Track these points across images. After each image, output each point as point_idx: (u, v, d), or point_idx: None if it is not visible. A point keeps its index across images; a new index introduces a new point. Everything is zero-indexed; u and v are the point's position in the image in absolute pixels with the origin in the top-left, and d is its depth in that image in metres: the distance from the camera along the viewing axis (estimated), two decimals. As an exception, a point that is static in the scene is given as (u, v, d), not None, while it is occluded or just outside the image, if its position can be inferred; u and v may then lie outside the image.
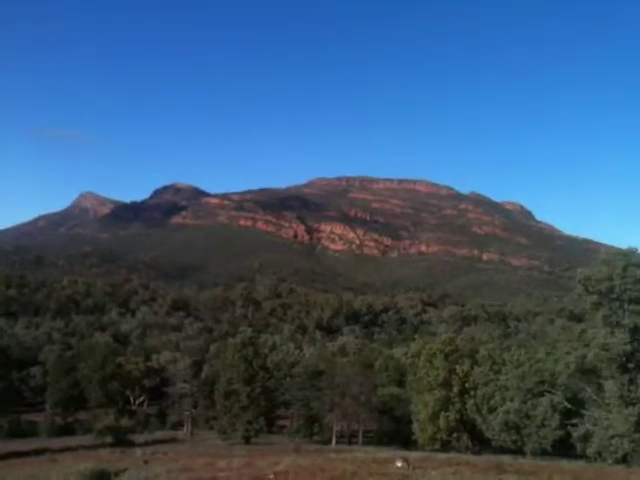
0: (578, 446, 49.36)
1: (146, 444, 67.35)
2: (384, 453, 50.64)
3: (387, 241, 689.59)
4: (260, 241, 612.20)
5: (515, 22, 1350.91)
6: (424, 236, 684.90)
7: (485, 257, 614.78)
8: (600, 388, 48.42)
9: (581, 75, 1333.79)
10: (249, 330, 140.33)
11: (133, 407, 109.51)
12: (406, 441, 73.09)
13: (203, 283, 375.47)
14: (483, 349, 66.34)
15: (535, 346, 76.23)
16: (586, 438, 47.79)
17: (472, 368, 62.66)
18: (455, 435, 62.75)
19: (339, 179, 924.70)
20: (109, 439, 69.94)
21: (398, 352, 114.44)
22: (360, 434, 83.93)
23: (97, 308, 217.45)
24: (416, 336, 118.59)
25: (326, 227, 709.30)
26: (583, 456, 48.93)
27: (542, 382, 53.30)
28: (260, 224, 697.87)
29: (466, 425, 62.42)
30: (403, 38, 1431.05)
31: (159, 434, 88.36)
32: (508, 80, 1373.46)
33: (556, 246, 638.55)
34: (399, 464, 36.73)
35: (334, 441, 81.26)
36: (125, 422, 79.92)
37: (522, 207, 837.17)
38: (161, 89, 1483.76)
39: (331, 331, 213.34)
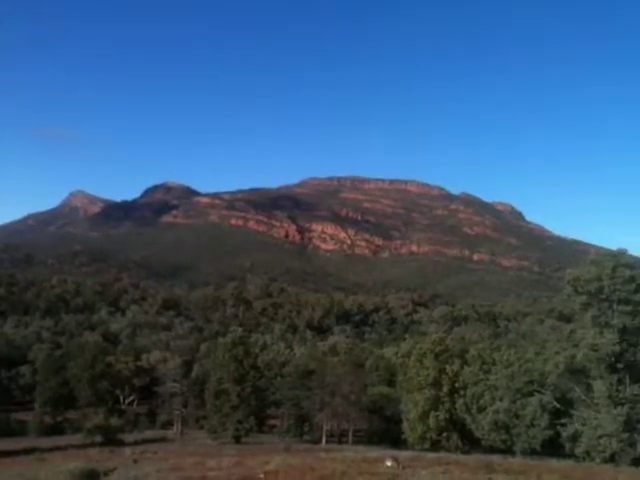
0: (567, 446, 49.61)
1: (136, 443, 67.18)
2: (374, 452, 50.72)
3: (378, 241, 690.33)
4: (251, 241, 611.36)
5: (513, 22, 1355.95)
6: (415, 236, 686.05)
7: (476, 257, 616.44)
8: (589, 388, 48.70)
9: (571, 76, 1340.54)
10: (240, 329, 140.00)
11: (123, 406, 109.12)
12: (396, 440, 73.22)
13: (194, 282, 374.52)
14: (473, 349, 66.55)
15: (525, 346, 76.50)
16: (575, 438, 48.04)
17: (462, 368, 62.85)
18: (445, 434, 62.93)
19: (330, 179, 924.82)
20: (98, 438, 69.78)
21: (389, 352, 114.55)
22: (350, 433, 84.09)
23: (87, 307, 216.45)
24: (407, 336, 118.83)
25: (317, 227, 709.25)
26: (572, 456, 49.17)
27: (531, 382, 53.52)
28: (251, 224, 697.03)
29: (456, 424, 62.60)
30: (396, 37, 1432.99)
31: (149, 433, 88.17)
32: (499, 80, 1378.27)
33: (546, 247, 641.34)
34: (389, 463, 36.80)
35: (324, 440, 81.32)
36: (115, 421, 79.74)
37: (512, 208, 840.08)
38: (152, 88, 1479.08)
39: (322, 331, 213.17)
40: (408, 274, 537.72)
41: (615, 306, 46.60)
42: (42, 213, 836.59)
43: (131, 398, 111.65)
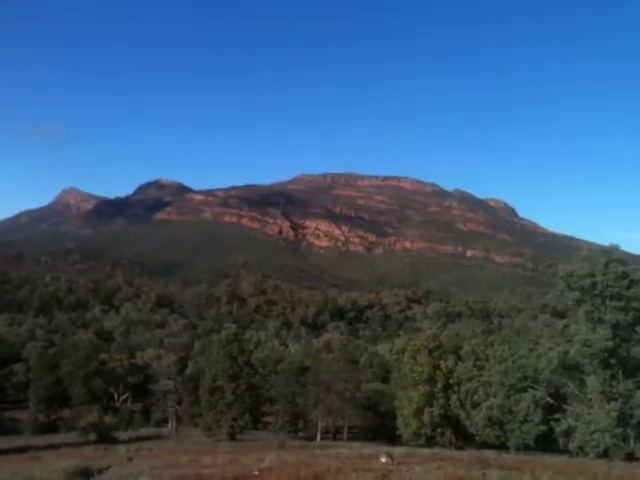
0: (561, 441, 49.73)
1: (130, 441, 67.06)
2: (368, 449, 50.73)
3: (372, 238, 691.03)
4: (245, 237, 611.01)
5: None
6: (409, 233, 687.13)
7: (469, 254, 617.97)
8: (582, 384, 48.83)
9: (563, 73, 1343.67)
10: (234, 326, 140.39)
11: (117, 404, 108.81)
12: (390, 437, 73.35)
13: (188, 279, 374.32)
14: (467, 345, 66.65)
15: (518, 342, 76.75)
16: (568, 433, 48.18)
17: (456, 364, 62.91)
18: (439, 430, 63.03)
19: (324, 175, 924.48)
20: (93, 436, 69.64)
21: (383, 348, 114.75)
22: (345, 430, 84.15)
23: (80, 305, 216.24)
24: (401, 332, 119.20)
25: (311, 224, 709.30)
26: (566, 451, 49.33)
27: (525, 378, 53.63)
28: (245, 220, 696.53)
29: (450, 420, 62.71)
30: (392, 34, 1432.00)
31: (143, 431, 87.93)
32: (492, 79, 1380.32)
33: (539, 243, 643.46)
34: (383, 460, 36.81)
35: (319, 437, 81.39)
36: (109, 419, 79.47)
37: (505, 204, 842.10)
38: (145, 85, 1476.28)
39: (316, 327, 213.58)
40: (402, 271, 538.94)
41: (608, 302, 46.76)
42: (35, 210, 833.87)
43: (125, 396, 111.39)
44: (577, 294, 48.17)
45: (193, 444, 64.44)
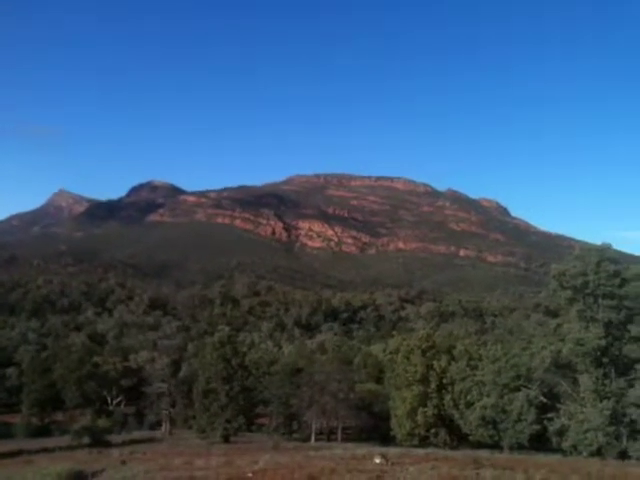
0: (554, 440, 49.92)
1: (124, 444, 66.80)
2: (363, 449, 50.77)
3: (365, 238, 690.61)
4: (238, 239, 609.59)
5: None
6: (402, 233, 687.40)
7: (462, 253, 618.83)
8: (575, 382, 49.04)
9: (556, 73, 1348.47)
10: (227, 328, 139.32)
11: (110, 407, 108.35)
12: (385, 437, 73.40)
13: (181, 281, 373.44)
14: (460, 345, 66.83)
15: (511, 341, 76.92)
16: (562, 432, 48.36)
17: (449, 364, 63.06)
18: (433, 430, 63.12)
19: (317, 176, 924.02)
20: (86, 440, 69.19)
21: (376, 349, 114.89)
22: (339, 431, 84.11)
23: (73, 308, 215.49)
24: (394, 333, 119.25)
25: (304, 224, 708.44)
26: (559, 450, 49.53)
27: (518, 377, 53.82)
28: (238, 222, 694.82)
29: (444, 420, 62.82)
30: (383, 32, 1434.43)
31: (137, 434, 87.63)
32: (483, 78, 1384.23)
33: (531, 242, 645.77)
34: (377, 460, 36.88)
35: (313, 438, 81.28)
36: (102, 422, 79.13)
37: (498, 203, 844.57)
38: (137, 86, 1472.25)
39: (310, 328, 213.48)
40: (395, 271, 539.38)
41: (600, 300, 46.97)
42: (26, 213, 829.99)
43: (119, 399, 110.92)
44: (569, 293, 48.36)
45: (187, 447, 64.27)
